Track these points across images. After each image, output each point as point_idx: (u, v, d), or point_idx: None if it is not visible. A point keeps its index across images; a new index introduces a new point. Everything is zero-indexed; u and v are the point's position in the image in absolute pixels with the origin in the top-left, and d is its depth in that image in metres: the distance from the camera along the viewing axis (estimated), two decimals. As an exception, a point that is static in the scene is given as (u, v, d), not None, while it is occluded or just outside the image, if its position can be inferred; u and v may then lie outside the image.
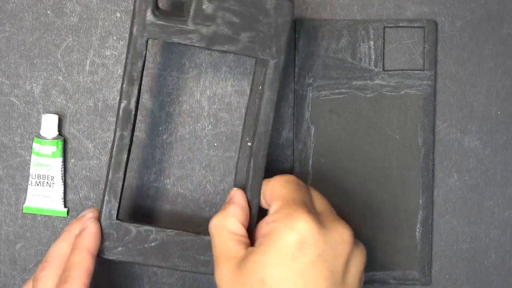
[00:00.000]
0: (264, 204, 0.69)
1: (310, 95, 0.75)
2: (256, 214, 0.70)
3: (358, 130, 0.75)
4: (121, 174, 0.69)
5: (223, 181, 0.76)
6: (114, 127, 0.69)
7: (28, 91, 0.75)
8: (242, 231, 0.67)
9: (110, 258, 0.70)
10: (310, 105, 0.75)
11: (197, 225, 0.76)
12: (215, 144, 0.76)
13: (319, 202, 0.68)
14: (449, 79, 0.76)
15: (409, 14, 0.76)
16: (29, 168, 0.75)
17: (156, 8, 0.67)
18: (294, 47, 0.75)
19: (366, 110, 0.75)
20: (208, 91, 0.76)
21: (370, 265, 0.76)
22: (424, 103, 0.75)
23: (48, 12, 0.75)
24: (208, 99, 0.76)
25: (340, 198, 0.75)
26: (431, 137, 0.75)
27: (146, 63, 0.75)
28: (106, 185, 0.69)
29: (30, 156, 0.75)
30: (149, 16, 0.67)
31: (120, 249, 0.69)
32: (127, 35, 0.75)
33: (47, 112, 0.75)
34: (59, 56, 0.75)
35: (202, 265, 0.70)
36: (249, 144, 0.71)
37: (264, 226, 0.66)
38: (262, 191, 0.69)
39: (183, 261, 0.70)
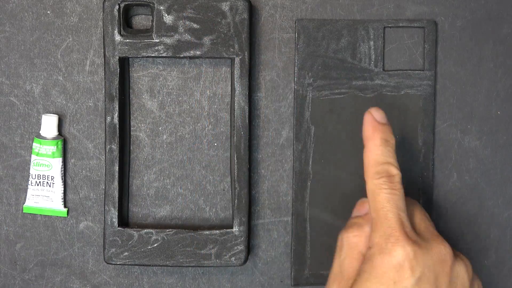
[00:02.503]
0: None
1: (310, 95, 0.75)
2: (248, 204, 0.74)
3: (358, 130, 0.75)
4: (115, 184, 0.74)
5: (223, 181, 0.76)
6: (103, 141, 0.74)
7: (28, 91, 0.75)
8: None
9: (118, 263, 0.74)
10: (310, 105, 0.75)
11: (197, 225, 0.76)
12: (215, 144, 0.76)
13: (418, 217, 0.67)
14: (449, 79, 0.76)
15: (409, 14, 0.76)
16: (29, 168, 0.75)
17: (123, 28, 0.73)
18: (294, 47, 0.75)
19: (366, 110, 0.75)
20: (208, 91, 0.76)
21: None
22: (424, 103, 0.75)
23: (48, 12, 0.75)
24: (208, 99, 0.76)
25: (340, 198, 0.75)
26: (431, 137, 0.75)
27: (146, 63, 0.75)
28: (104, 195, 0.74)
29: (30, 156, 0.75)
30: (117, 36, 0.72)
31: (126, 254, 0.74)
32: (127, 35, 0.75)
33: (47, 112, 0.75)
34: (59, 56, 0.75)
35: (204, 258, 0.74)
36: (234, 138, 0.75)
37: (366, 250, 0.66)
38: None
39: (185, 257, 0.74)
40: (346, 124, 0.75)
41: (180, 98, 0.76)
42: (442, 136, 0.76)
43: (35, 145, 0.74)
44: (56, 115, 0.75)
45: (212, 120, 0.76)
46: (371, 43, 0.75)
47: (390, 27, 0.75)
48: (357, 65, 0.75)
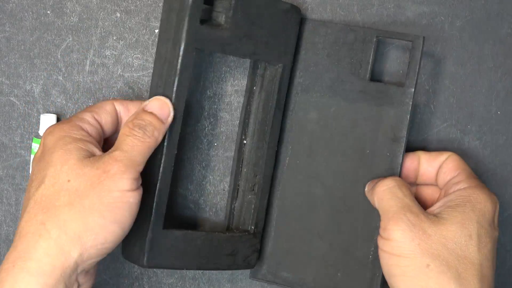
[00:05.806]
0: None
1: (297, 97, 0.74)
2: (264, 215, 0.73)
3: (334, 138, 0.73)
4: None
5: (223, 181, 0.76)
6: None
7: (28, 91, 0.75)
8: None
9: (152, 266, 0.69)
10: (295, 106, 0.74)
11: (197, 225, 0.76)
12: (215, 144, 0.76)
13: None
14: (449, 79, 0.76)
15: (409, 14, 0.76)
16: (29, 168, 0.75)
17: (201, 21, 0.67)
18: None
19: (346, 118, 0.73)
20: (208, 91, 0.76)
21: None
22: (397, 120, 0.72)
23: (48, 12, 0.75)
24: (208, 99, 0.76)
25: (308, 206, 0.74)
26: (400, 152, 0.72)
27: (146, 63, 0.75)
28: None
29: (30, 156, 0.75)
30: (195, 28, 0.67)
31: (163, 255, 0.69)
32: (127, 35, 0.75)
33: (47, 112, 0.75)
34: (59, 56, 0.75)
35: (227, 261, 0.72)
36: (245, 142, 0.73)
37: (453, 196, 0.70)
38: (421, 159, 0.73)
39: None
40: (324, 129, 0.73)
41: (180, 98, 0.76)
42: (442, 136, 0.76)
43: (35, 145, 0.74)
44: (54, 115, 0.75)
45: (212, 120, 0.76)
46: (362, 51, 0.73)
47: (381, 37, 0.72)
48: (345, 72, 0.73)
